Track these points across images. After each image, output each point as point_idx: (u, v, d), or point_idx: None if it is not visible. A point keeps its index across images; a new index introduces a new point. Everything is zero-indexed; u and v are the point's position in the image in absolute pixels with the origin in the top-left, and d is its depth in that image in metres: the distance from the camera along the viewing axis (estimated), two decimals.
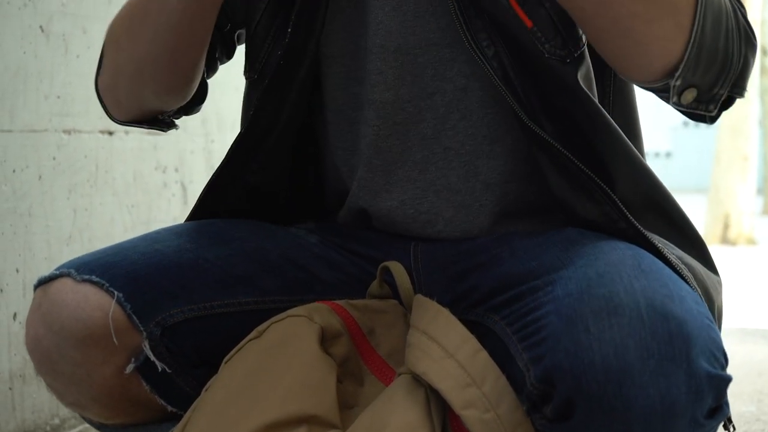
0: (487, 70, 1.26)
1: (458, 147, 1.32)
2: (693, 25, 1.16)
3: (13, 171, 2.15)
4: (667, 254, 1.21)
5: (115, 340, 1.24)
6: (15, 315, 2.14)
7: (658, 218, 1.31)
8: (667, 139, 24.61)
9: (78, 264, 1.28)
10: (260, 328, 1.20)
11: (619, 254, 1.16)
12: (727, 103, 1.24)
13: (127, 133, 2.51)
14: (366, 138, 1.34)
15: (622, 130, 1.29)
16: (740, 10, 1.24)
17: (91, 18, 2.37)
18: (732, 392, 1.15)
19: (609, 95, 1.35)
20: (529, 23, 1.23)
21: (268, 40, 1.36)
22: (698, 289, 1.22)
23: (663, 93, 1.22)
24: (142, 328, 1.26)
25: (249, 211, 1.41)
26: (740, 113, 9.35)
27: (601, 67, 1.30)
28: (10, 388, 2.09)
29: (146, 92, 1.37)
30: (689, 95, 1.20)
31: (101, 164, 2.41)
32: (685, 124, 24.02)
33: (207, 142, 2.83)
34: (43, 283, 1.29)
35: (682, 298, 1.09)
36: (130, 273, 1.26)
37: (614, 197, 1.25)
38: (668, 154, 24.71)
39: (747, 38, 1.23)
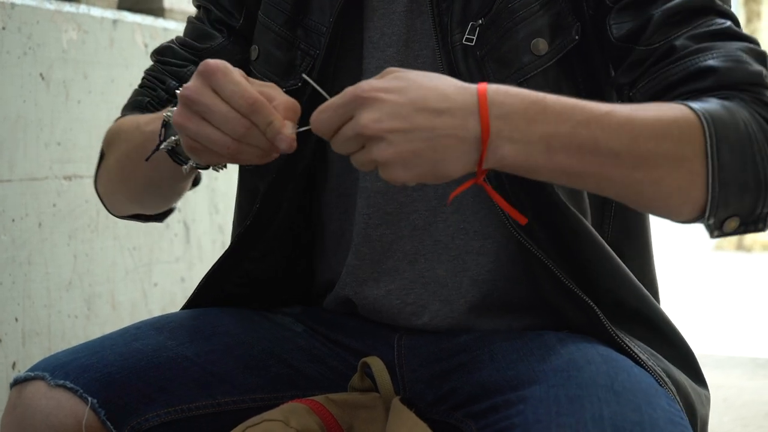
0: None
1: (448, 241, 1.31)
2: (707, 167, 1.11)
3: (12, 220, 2.16)
4: (645, 361, 1.21)
5: None
6: (14, 364, 2.15)
7: (647, 331, 1.30)
8: None
9: (53, 366, 1.27)
10: None
11: (593, 371, 1.15)
12: None
13: None
14: (356, 226, 1.34)
15: (623, 249, 1.30)
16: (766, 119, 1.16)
17: (93, 63, 2.37)
18: None
19: (609, 218, 1.34)
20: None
21: None
22: (678, 398, 1.21)
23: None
24: None
25: (242, 296, 1.41)
26: None
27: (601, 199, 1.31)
28: None
29: (137, 209, 1.48)
30: (732, 224, 1.15)
31: (102, 208, 2.41)
32: None
33: (210, 180, 2.82)
34: (18, 382, 1.28)
35: (654, 421, 1.08)
36: (106, 376, 1.26)
37: (597, 311, 1.25)
38: None
39: None
